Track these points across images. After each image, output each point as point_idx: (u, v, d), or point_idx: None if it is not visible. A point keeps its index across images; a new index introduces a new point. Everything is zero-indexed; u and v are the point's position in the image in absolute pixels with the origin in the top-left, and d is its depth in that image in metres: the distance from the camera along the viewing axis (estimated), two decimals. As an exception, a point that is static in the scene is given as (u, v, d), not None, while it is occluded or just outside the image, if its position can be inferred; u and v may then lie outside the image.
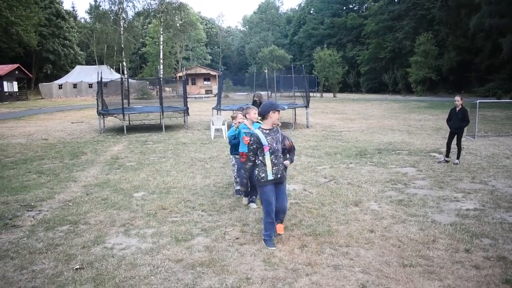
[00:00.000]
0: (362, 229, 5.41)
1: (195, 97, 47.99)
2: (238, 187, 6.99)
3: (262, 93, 15.52)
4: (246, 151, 6.05)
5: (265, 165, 4.70)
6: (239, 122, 6.65)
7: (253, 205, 6.48)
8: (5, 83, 42.56)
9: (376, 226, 5.51)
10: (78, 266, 4.40)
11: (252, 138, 4.71)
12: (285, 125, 17.48)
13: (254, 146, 4.71)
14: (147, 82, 47.24)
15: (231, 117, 7.14)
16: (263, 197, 4.82)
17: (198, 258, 4.59)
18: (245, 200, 6.64)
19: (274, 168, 4.73)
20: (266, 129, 4.80)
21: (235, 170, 6.99)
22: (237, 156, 6.81)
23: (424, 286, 3.89)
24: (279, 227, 5.10)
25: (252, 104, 9.90)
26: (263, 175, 4.70)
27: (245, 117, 6.33)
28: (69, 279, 4.13)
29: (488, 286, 3.89)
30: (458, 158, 9.54)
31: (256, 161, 4.76)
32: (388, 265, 4.33)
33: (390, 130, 15.89)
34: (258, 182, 4.81)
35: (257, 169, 4.76)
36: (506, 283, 3.92)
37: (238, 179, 6.82)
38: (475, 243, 4.89)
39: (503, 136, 13.85)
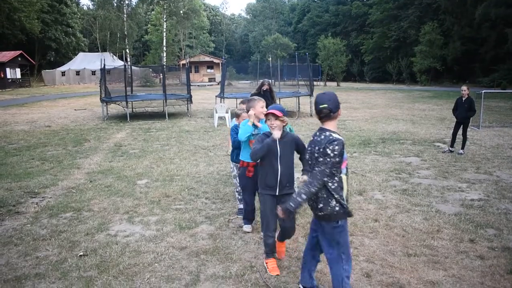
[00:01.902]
0: (366, 218, 5.39)
1: (198, 85, 47.84)
2: (238, 195, 5.57)
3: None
4: (246, 159, 4.69)
5: (342, 189, 3.12)
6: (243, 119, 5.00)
7: (247, 228, 5.04)
8: (8, 69, 42.42)
9: (380, 215, 5.49)
10: (82, 253, 4.41)
11: (338, 147, 3.00)
12: (288, 114, 17.42)
13: (338, 159, 3.03)
14: (150, 70, 47.08)
15: (235, 113, 5.45)
16: (343, 239, 3.20)
17: (202, 245, 4.59)
18: (247, 227, 5.03)
19: (347, 193, 3.21)
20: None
21: (239, 183, 5.27)
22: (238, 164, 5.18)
23: (428, 276, 3.87)
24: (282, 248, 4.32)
25: (262, 95, 8.11)
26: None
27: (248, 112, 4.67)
28: (73, 265, 4.14)
29: (492, 276, 3.87)
30: (462, 148, 9.49)
31: (331, 183, 3.06)
32: (392, 255, 4.32)
33: (394, 120, 15.81)
34: (333, 217, 3.10)
35: (334, 196, 3.07)
36: (510, 274, 3.90)
37: (241, 195, 5.36)
38: (479, 233, 4.87)
39: (508, 127, 13.76)
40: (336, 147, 2.99)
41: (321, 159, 3.04)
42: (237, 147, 5.11)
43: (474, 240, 4.66)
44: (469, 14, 40.56)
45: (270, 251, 4.12)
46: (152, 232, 4.99)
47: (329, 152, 2.99)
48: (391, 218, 5.39)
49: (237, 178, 5.28)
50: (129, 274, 3.97)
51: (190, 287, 3.75)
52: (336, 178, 3.08)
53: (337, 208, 3.08)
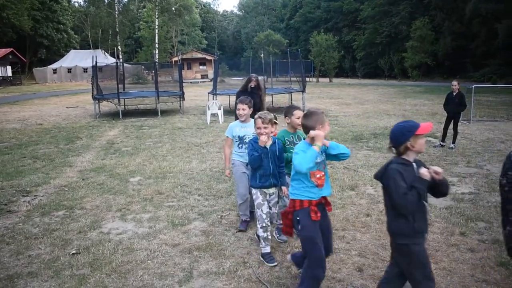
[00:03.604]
0: (359, 213, 5.43)
1: (190, 82, 47.69)
2: (262, 232, 4.12)
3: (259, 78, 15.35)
4: (306, 197, 3.24)
5: None
6: (265, 133, 3.88)
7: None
8: (-2, 67, 42.17)
9: (372, 210, 5.53)
10: (74, 251, 4.40)
11: None
12: (281, 109, 17.43)
13: None
14: (143, 67, 46.82)
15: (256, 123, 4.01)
16: None
17: (195, 242, 4.60)
18: None
19: None
20: None
21: (264, 212, 4.06)
22: (268, 191, 4.10)
23: (419, 269, 3.91)
24: None
25: (249, 92, 6.91)
26: None
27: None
28: (66, 264, 4.13)
29: (483, 268, 3.92)
30: (453, 142, 9.56)
31: None
32: (384, 249, 4.34)
33: (385, 115, 15.88)
34: None
35: None
36: (500, 266, 3.95)
37: (266, 233, 4.11)
38: (470, 226, 4.92)
39: (498, 121, 13.88)
40: None
41: None
42: (257, 167, 4.02)
43: (464, 233, 4.71)
44: (460, 10, 40.77)
45: None
46: (144, 230, 4.99)
47: None
48: (383, 213, 5.36)
49: (262, 208, 4.06)
50: (122, 271, 3.97)
51: (183, 283, 3.76)
52: None
53: None
